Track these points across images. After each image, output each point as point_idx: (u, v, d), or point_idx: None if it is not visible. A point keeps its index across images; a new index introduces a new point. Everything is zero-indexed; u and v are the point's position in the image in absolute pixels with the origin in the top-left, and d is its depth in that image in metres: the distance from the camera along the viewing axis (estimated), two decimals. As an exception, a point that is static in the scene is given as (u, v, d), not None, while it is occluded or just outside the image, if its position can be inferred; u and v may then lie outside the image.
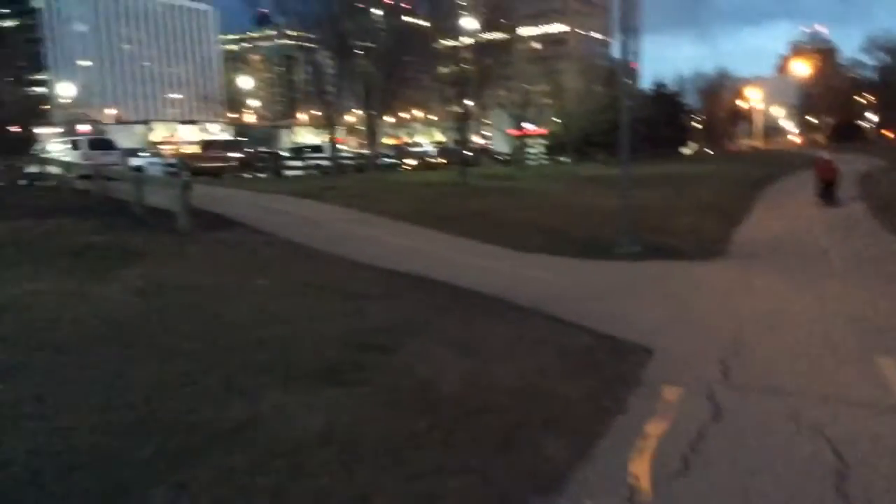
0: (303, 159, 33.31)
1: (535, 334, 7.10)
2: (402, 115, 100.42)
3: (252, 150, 34.74)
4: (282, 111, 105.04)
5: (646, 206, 18.59)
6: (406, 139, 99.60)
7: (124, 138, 66.94)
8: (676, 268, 11.72)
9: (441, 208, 19.15)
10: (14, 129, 63.55)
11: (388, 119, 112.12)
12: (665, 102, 60.22)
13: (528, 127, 59.92)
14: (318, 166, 33.81)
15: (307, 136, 70.99)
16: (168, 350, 6.14)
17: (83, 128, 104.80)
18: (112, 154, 25.82)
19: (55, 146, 26.56)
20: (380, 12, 46.01)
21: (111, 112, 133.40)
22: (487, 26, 40.57)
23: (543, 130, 55.13)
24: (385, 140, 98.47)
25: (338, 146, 40.07)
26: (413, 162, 43.37)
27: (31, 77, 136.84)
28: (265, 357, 6.05)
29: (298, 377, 5.56)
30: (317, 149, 38.16)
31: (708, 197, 23.11)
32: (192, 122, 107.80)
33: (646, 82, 67.86)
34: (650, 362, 6.29)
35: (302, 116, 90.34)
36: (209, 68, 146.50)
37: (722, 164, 46.33)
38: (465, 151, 35.92)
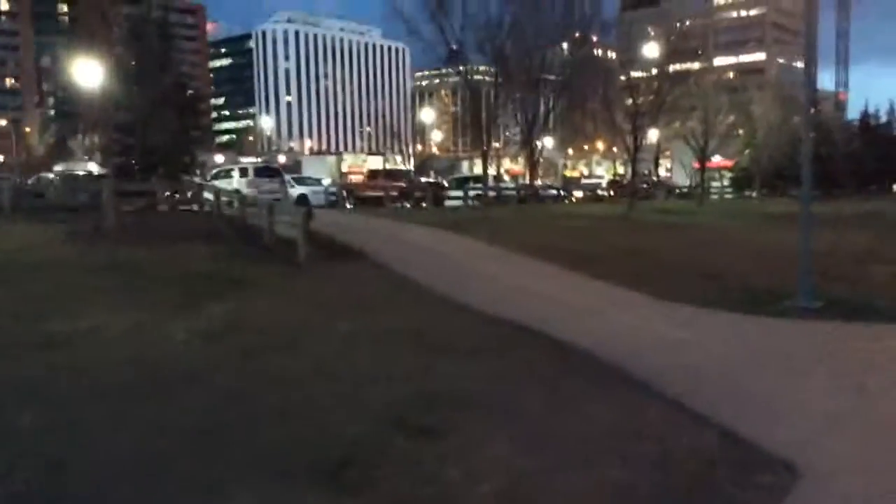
0: (464, 190, 32.61)
1: (640, 426, 5.31)
2: (584, 146, 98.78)
3: (414, 181, 34.63)
4: (466, 142, 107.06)
5: (837, 251, 15.74)
6: (583, 171, 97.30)
7: (317, 168, 70.75)
8: (864, 335, 9.17)
9: (590, 245, 17.32)
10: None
11: (569, 151, 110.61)
12: (874, 135, 53.70)
13: (715, 159, 55.92)
14: (478, 196, 33.00)
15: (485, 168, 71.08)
16: (159, 418, 5.12)
17: (281, 158, 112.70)
18: (275, 181, 26.43)
19: (234, 173, 27.68)
20: (565, 45, 45.28)
21: (307, 144, 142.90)
22: (673, 56, 38.42)
23: (729, 163, 50.96)
24: (567, 172, 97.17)
25: (501, 177, 39.22)
26: (579, 194, 41.45)
27: (241, 111, 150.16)
28: (270, 437, 4.83)
29: (288, 472, 4.26)
30: (479, 179, 37.49)
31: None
32: (380, 153, 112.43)
33: (853, 114, 61.46)
34: (793, 494, 4.30)
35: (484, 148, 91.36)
36: (400, 103, 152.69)
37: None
38: (635, 184, 33.56)
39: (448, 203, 32.86)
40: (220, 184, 27.13)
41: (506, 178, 41.52)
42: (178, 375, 6.19)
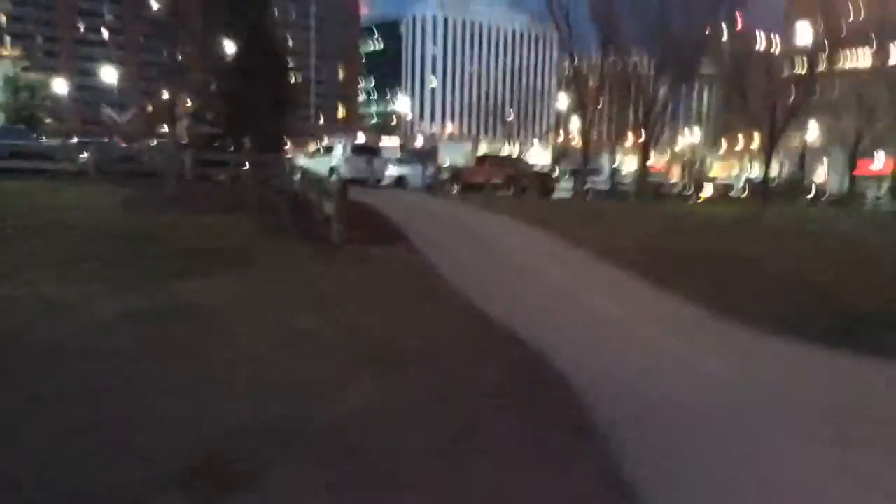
0: (575, 180, 30.62)
1: None
2: (736, 144, 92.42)
3: (522, 168, 32.85)
4: (610, 134, 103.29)
5: None
6: (735, 171, 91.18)
7: (454, 153, 70.55)
8: None
9: (687, 248, 15.15)
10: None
11: (720, 148, 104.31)
12: None
13: (874, 166, 50.13)
14: (591, 189, 30.88)
15: (627, 162, 68.18)
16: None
17: (418, 142, 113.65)
18: (374, 160, 25.69)
19: (336, 150, 27.27)
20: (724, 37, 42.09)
21: (448, 129, 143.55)
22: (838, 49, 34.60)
23: (888, 169, 45.35)
24: (715, 170, 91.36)
25: (618, 170, 36.79)
26: (708, 192, 38.11)
27: (387, 94, 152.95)
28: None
29: None
30: (595, 171, 35.24)
31: None
32: (518, 140, 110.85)
33: None
34: None
35: (630, 142, 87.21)
36: (544, 90, 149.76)
37: None
38: (767, 186, 30.32)
39: (557, 194, 30.99)
40: (320, 160, 26.82)
41: (623, 171, 38.83)
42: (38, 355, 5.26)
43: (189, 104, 34.13)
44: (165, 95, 63.09)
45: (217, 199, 16.41)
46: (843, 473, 4.56)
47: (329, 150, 27.04)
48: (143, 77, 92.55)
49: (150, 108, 75.20)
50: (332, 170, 25.98)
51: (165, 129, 54.92)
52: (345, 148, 26.50)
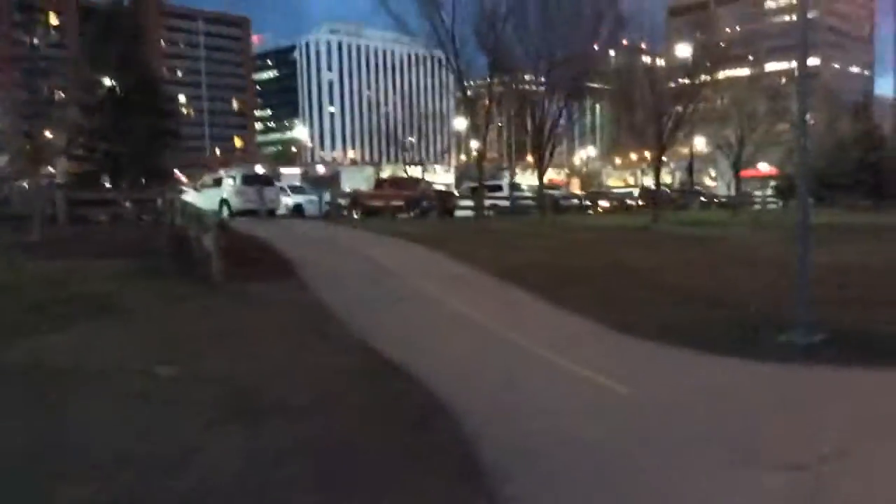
0: (475, 199, 30.52)
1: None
2: (630, 156, 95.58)
3: (423, 189, 32.64)
4: (508, 153, 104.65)
5: (867, 267, 13.43)
6: (627, 180, 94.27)
7: (356, 179, 69.79)
8: (855, 387, 6.84)
9: (581, 262, 15.12)
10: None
11: (615, 160, 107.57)
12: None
13: (761, 167, 52.65)
14: (493, 206, 30.89)
15: (527, 178, 69.15)
16: None
17: (320, 169, 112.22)
18: (267, 190, 24.77)
19: (226, 182, 26.15)
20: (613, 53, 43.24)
21: (350, 154, 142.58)
22: (720, 63, 36.17)
23: (773, 171, 47.71)
24: (611, 181, 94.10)
25: (518, 185, 37.11)
26: (606, 204, 38.92)
27: (287, 122, 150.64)
28: None
29: None
30: (496, 188, 35.35)
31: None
32: (419, 163, 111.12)
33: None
34: None
35: (529, 158, 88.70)
36: (443, 111, 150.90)
37: None
38: (659, 194, 31.20)
39: (459, 213, 30.86)
40: (208, 193, 25.70)
41: (524, 186, 39.17)
42: None
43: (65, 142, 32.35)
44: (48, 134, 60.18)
45: (92, 242, 15.30)
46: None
47: (218, 182, 25.93)
48: (22, 115, 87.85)
49: (28, 148, 71.37)
50: (222, 202, 24.94)
51: (52, 169, 52.14)
52: (235, 179, 25.48)
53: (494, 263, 14.09)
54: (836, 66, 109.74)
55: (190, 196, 26.18)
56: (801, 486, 4.34)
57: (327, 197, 27.41)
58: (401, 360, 7.08)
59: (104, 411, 5.35)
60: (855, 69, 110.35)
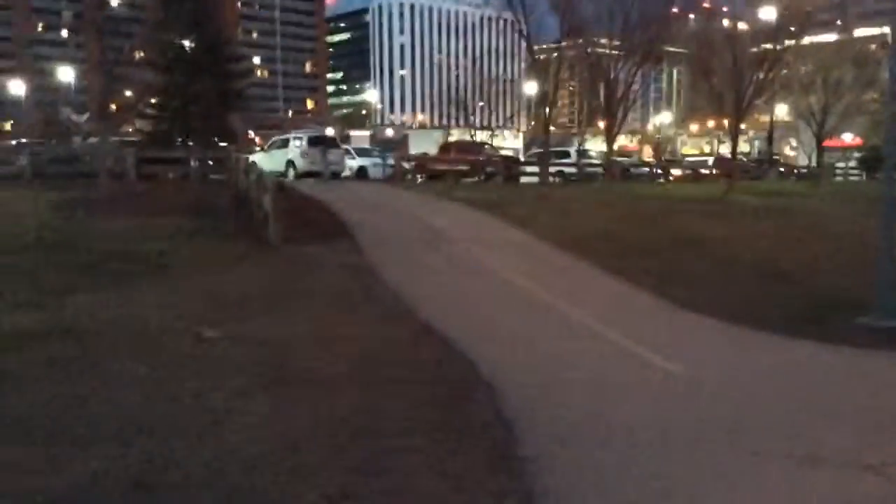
0: (541, 165, 29.89)
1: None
2: (707, 123, 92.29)
3: (488, 154, 32.12)
4: (582, 119, 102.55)
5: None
6: (704, 149, 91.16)
7: (424, 142, 69.55)
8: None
9: (648, 234, 14.53)
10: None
11: (690, 127, 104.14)
12: None
13: (845, 138, 50.00)
14: (560, 173, 30.18)
15: (598, 144, 67.79)
16: None
17: (388, 132, 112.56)
18: (333, 153, 24.76)
19: (292, 144, 26.28)
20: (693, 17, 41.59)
21: (419, 118, 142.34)
22: (804, 27, 34.37)
23: (859, 142, 45.21)
24: (686, 150, 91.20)
25: (586, 152, 36.19)
26: (678, 172, 37.58)
27: (358, 85, 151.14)
28: None
29: None
30: (563, 154, 34.47)
31: None
32: (488, 128, 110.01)
33: None
34: None
35: (601, 125, 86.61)
36: (513, 76, 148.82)
37: None
38: (735, 162, 29.93)
39: (524, 179, 30.27)
40: (275, 155, 25.86)
41: (593, 153, 38.15)
42: None
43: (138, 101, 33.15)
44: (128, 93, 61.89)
45: (157, 200, 15.55)
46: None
47: (285, 143, 26.04)
48: (103, 74, 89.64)
49: (113, 108, 73.49)
50: (287, 164, 25.06)
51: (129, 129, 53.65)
52: (301, 141, 25.53)
53: (553, 231, 13.71)
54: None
55: (257, 157, 26.45)
56: (871, 491, 3.93)
57: (391, 160, 27.22)
58: (445, 331, 6.86)
59: (137, 374, 5.29)
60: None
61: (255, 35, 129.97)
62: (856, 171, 44.50)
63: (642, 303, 8.91)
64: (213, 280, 8.68)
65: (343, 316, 7.38)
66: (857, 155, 46.52)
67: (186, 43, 26.56)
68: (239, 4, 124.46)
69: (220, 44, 27.04)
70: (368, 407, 4.76)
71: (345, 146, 30.06)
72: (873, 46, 51.62)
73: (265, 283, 8.79)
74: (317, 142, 25.46)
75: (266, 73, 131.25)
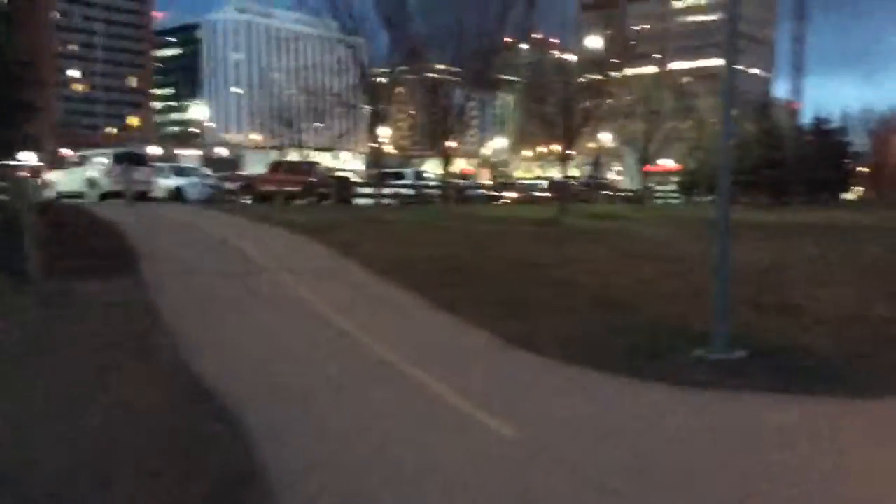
0: (376, 187, 28.90)
1: None
2: (539, 148, 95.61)
3: (321, 175, 30.63)
4: (420, 141, 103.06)
5: (777, 266, 12.57)
6: (538, 173, 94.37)
7: (262, 162, 66.73)
8: (809, 418, 5.66)
9: (480, 258, 13.73)
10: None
11: (524, 151, 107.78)
12: (827, 141, 51.35)
13: (665, 163, 53.12)
14: (395, 195, 29.29)
15: (434, 167, 68.15)
16: None
17: (222, 151, 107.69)
18: (140, 171, 22.34)
19: (95, 160, 23.48)
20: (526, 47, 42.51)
21: (253, 137, 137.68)
22: (627, 60, 36.09)
23: (678, 167, 48.13)
24: (519, 173, 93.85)
25: (422, 174, 35.76)
26: (512, 195, 37.99)
27: (188, 103, 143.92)
28: None
29: None
30: (398, 175, 33.78)
31: (876, 256, 15.89)
32: (328, 149, 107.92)
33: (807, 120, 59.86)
34: None
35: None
36: (353, 99, 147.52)
37: (892, 211, 37.45)
38: (567, 186, 30.49)
39: (360, 201, 29.10)
40: (74, 173, 23.14)
41: (431, 175, 37.78)
42: None
43: None
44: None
45: None
46: None
47: (86, 160, 23.26)
48: None
49: None
50: (90, 183, 22.43)
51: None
52: (105, 157, 22.87)
53: (380, 258, 12.56)
54: (739, 67, 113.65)
55: (56, 176, 23.49)
56: None
57: (211, 181, 25.09)
58: (224, 390, 5.44)
59: None
60: (755, 71, 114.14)
61: (75, 47, 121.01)
62: (675, 195, 47.29)
63: (471, 341, 7.90)
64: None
65: (93, 378, 5.74)
66: (675, 179, 49.56)
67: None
68: (58, 14, 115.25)
69: (5, 53, 23.60)
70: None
71: (159, 164, 27.46)
72: (688, 79, 55.71)
73: (11, 332, 6.93)
74: (122, 158, 22.94)
75: (88, 88, 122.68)
